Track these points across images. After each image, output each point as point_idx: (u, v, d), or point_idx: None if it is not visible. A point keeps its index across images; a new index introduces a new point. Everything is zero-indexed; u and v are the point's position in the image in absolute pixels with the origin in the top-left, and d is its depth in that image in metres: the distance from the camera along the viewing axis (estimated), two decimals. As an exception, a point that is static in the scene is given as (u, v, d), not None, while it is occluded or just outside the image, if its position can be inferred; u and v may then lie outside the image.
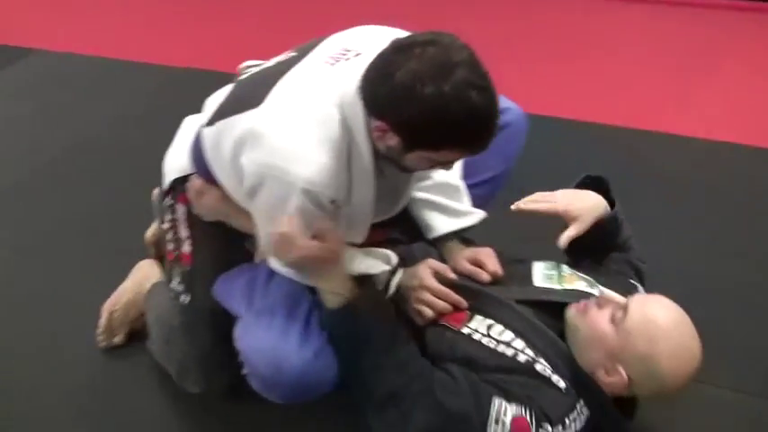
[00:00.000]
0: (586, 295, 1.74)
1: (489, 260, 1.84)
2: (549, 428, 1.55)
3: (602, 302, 1.65)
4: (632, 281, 1.88)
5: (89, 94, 3.73)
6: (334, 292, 1.64)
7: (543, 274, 1.81)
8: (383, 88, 1.45)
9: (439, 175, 1.89)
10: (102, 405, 2.04)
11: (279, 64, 1.69)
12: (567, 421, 1.57)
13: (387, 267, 1.75)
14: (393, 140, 1.50)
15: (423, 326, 1.75)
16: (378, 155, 1.59)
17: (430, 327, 1.74)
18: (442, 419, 1.56)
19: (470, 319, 1.71)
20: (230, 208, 1.85)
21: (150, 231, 2.31)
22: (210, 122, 1.75)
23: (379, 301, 1.69)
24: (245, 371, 1.68)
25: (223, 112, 1.71)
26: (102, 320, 2.15)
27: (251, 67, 1.82)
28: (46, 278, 2.48)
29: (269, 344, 1.63)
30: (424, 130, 1.45)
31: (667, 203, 2.48)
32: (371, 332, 1.63)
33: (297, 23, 4.14)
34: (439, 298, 1.74)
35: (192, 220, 1.93)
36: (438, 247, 1.92)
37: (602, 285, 1.80)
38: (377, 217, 1.76)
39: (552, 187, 1.88)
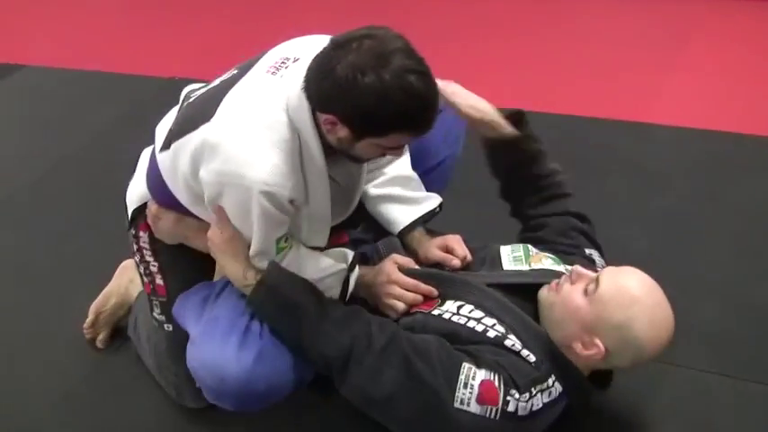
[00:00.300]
0: (555, 273, 1.77)
1: (458, 246, 1.88)
2: (517, 395, 1.57)
3: (574, 277, 1.67)
4: (587, 250, 1.92)
5: (78, 107, 3.80)
6: (244, 285, 1.71)
7: (511, 257, 1.85)
8: (326, 83, 1.52)
9: (391, 170, 1.95)
10: (95, 405, 2.11)
11: (223, 82, 1.76)
12: (533, 390, 1.60)
13: (343, 266, 1.78)
14: (343, 132, 1.58)
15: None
16: (327, 153, 1.66)
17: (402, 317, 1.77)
18: (410, 381, 1.58)
19: (441, 303, 1.74)
20: (187, 229, 1.92)
21: None
22: (165, 146, 1.81)
23: (287, 274, 1.71)
24: (209, 397, 1.72)
25: (176, 134, 1.77)
26: (90, 319, 2.23)
27: (195, 90, 1.87)
28: (36, 282, 2.58)
29: (210, 355, 1.67)
30: (370, 117, 1.52)
31: (641, 191, 2.53)
32: (295, 304, 1.67)
33: (280, 28, 4.19)
34: (408, 290, 1.78)
35: (156, 246, 1.99)
36: (404, 239, 1.95)
37: (565, 263, 1.84)
38: (334, 219, 1.82)
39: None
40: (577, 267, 1.69)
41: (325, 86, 1.53)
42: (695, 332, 1.99)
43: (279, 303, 1.69)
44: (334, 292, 1.77)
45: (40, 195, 3.08)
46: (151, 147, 1.95)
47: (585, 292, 1.63)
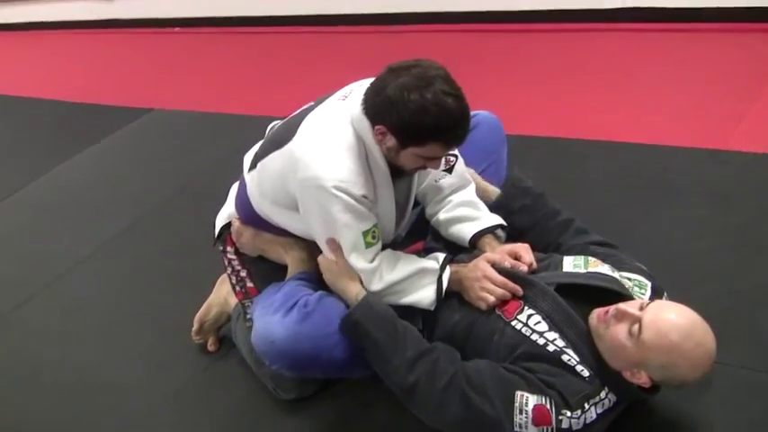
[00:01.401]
0: (609, 279, 1.89)
1: (526, 253, 2.03)
2: (569, 413, 1.72)
3: (619, 316, 1.74)
4: (624, 258, 2.05)
5: (196, 144, 4.17)
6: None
7: (572, 264, 1.98)
8: (379, 99, 1.83)
9: (456, 197, 2.18)
10: (201, 400, 2.34)
11: (302, 111, 2.08)
12: (586, 406, 1.73)
13: (435, 265, 1.99)
14: (391, 141, 1.87)
15: (480, 312, 1.93)
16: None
17: (486, 314, 1.92)
18: (472, 414, 1.76)
19: (521, 311, 1.88)
20: (263, 243, 2.24)
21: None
22: (252, 167, 2.16)
23: (374, 310, 1.93)
24: (266, 362, 1.99)
25: (261, 155, 2.11)
26: (195, 328, 2.48)
27: (277, 122, 2.22)
28: (157, 292, 2.90)
29: (261, 324, 1.98)
30: (412, 128, 1.81)
31: (715, 210, 2.63)
32: (374, 340, 1.89)
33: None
34: (498, 286, 1.93)
35: (242, 257, 2.30)
36: (476, 246, 2.13)
37: (620, 270, 1.95)
38: (395, 229, 2.10)
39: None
40: (621, 306, 1.75)
41: (377, 102, 1.83)
42: (754, 337, 2.06)
43: (361, 336, 1.91)
44: (429, 290, 1.97)
45: (162, 219, 3.43)
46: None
47: (630, 332, 1.71)
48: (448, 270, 1.99)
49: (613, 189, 2.86)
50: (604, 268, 1.95)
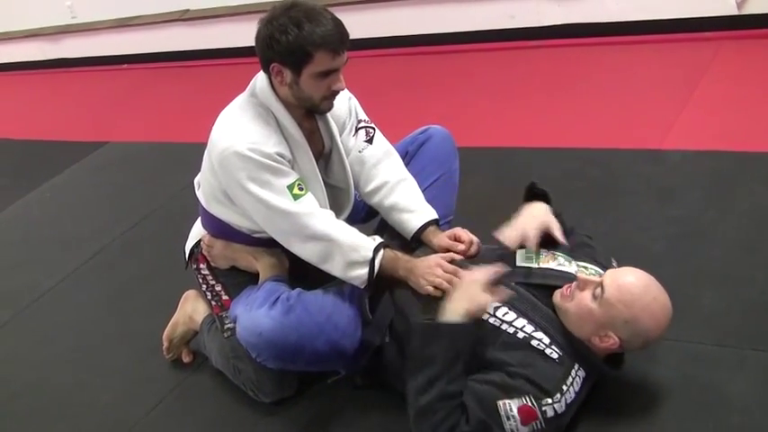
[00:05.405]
0: (561, 274, 2.00)
1: (464, 233, 2.17)
2: (549, 401, 1.81)
3: (581, 285, 1.89)
4: (590, 245, 2.19)
5: (157, 172, 4.23)
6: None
7: (525, 256, 2.08)
8: (260, 44, 2.00)
9: (391, 177, 2.28)
10: (183, 409, 2.42)
11: None
12: (564, 387, 1.84)
13: (370, 254, 2.06)
14: (287, 75, 2.01)
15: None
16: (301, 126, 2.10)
17: None
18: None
19: None
20: (234, 252, 2.33)
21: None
22: (199, 185, 2.31)
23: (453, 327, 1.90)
24: (253, 354, 2.05)
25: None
26: (165, 346, 2.55)
27: None
28: (130, 314, 2.97)
29: (248, 318, 2.05)
30: (293, 45, 1.95)
31: (657, 203, 2.80)
32: (434, 355, 1.87)
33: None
34: (448, 273, 2.02)
35: (215, 271, 2.39)
36: (421, 238, 2.23)
37: (576, 260, 2.06)
38: (342, 211, 2.22)
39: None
40: (581, 275, 1.92)
41: (260, 48, 2.00)
42: (699, 314, 2.21)
43: (430, 344, 1.89)
44: (361, 270, 2.05)
45: (128, 247, 3.49)
46: None
47: (594, 296, 1.86)
48: (381, 253, 2.06)
49: (558, 191, 2.86)
50: (556, 263, 2.06)
